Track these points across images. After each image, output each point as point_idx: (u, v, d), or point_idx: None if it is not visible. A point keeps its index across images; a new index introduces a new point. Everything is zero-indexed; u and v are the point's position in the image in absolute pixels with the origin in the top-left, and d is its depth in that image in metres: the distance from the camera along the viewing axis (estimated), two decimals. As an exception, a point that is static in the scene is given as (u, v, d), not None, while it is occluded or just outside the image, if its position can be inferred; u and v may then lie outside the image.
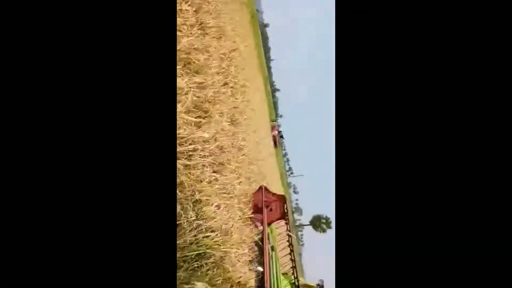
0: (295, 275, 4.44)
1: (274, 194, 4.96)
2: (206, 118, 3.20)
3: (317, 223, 46.28)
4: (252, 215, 4.25)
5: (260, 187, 4.77)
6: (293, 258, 4.60)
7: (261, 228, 4.32)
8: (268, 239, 4.19)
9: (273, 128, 27.20)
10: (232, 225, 3.10)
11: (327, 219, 46.95)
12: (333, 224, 46.74)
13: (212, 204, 2.67)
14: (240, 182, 4.20)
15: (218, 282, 2.53)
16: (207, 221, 2.52)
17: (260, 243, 4.01)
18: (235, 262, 2.87)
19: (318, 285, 5.39)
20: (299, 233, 63.06)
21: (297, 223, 60.84)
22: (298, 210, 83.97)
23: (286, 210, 4.87)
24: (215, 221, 2.60)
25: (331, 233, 47.61)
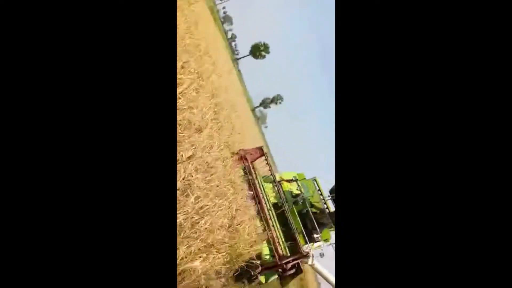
0: (273, 175, 6.83)
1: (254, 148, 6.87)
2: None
3: (256, 52, 47.52)
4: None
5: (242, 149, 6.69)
6: (270, 167, 6.83)
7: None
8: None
9: None
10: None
11: (265, 45, 48.03)
12: (271, 49, 48.65)
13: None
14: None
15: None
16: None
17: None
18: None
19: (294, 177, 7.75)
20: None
21: (237, 54, 60.53)
22: (228, 19, 76.97)
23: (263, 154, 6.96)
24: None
25: (269, 57, 50.33)
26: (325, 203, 7.35)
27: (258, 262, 4.93)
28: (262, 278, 5.21)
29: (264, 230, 5.60)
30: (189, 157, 2.95)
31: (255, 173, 6.35)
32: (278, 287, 6.64)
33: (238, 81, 41.59)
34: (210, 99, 6.47)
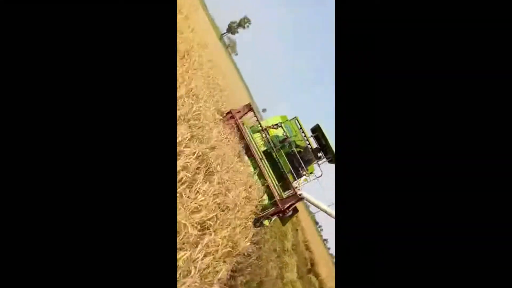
0: (260, 124, 7.70)
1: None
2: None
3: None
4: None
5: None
6: (257, 118, 7.64)
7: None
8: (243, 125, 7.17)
9: None
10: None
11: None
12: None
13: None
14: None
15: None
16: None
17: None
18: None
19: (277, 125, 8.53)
20: None
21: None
22: None
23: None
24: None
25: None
26: (308, 141, 8.31)
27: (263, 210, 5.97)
28: (266, 222, 6.31)
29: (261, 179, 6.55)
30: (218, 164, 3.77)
31: (244, 130, 7.02)
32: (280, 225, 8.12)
33: (204, 15, 37.87)
34: (199, 71, 6.77)
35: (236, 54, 78.00)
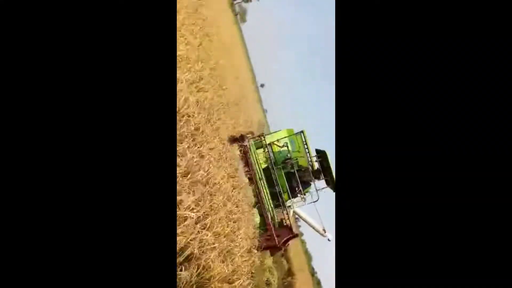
0: (264, 139, 7.90)
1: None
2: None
3: None
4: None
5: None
6: (264, 140, 7.83)
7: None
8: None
9: None
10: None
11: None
12: None
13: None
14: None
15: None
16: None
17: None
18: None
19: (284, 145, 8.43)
20: None
21: None
22: None
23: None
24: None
25: None
26: (310, 159, 8.37)
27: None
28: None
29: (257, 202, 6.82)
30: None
31: (251, 155, 7.10)
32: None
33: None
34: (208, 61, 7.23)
35: (245, 22, 74.96)
